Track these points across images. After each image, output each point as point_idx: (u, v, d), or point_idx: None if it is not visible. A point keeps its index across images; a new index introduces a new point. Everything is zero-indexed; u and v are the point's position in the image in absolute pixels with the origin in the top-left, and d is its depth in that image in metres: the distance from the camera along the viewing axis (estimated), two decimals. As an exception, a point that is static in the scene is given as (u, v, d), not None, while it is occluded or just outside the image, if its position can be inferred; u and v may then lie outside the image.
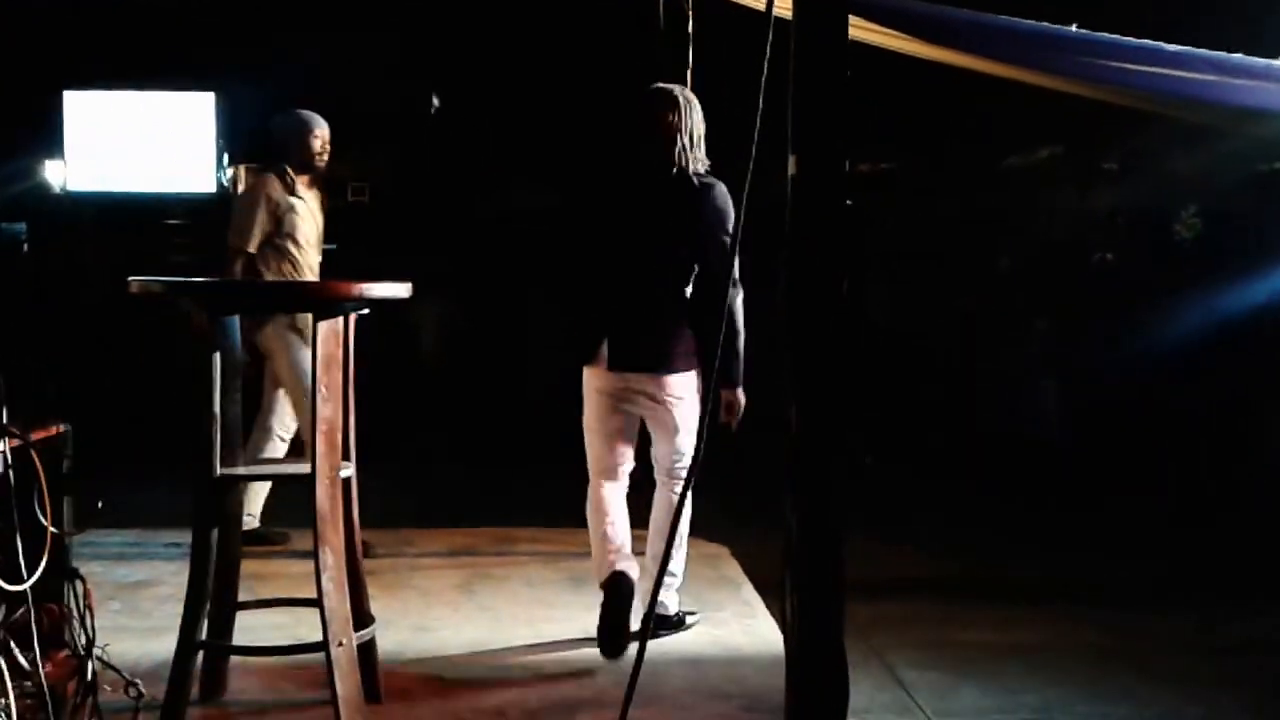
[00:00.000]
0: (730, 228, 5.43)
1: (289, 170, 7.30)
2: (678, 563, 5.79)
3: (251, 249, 7.13)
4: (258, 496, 7.10)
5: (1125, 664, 6.05)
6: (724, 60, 7.13)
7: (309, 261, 7.36)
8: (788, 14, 3.39)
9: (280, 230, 7.22)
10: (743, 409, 5.65)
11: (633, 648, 5.52)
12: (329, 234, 7.73)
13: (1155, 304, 10.45)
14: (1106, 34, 5.78)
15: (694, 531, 5.89)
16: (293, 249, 7.24)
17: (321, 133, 7.33)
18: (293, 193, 7.30)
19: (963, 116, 11.01)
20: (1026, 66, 6.04)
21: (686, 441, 5.64)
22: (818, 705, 3.43)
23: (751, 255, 4.42)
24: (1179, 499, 9.48)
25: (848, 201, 3.35)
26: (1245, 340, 9.55)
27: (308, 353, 6.93)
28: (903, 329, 11.82)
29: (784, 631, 3.43)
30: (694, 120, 5.65)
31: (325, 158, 7.43)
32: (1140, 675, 5.89)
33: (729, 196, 5.51)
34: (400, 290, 4.62)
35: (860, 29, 5.40)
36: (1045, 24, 5.80)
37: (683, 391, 5.64)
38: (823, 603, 3.43)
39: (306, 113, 7.36)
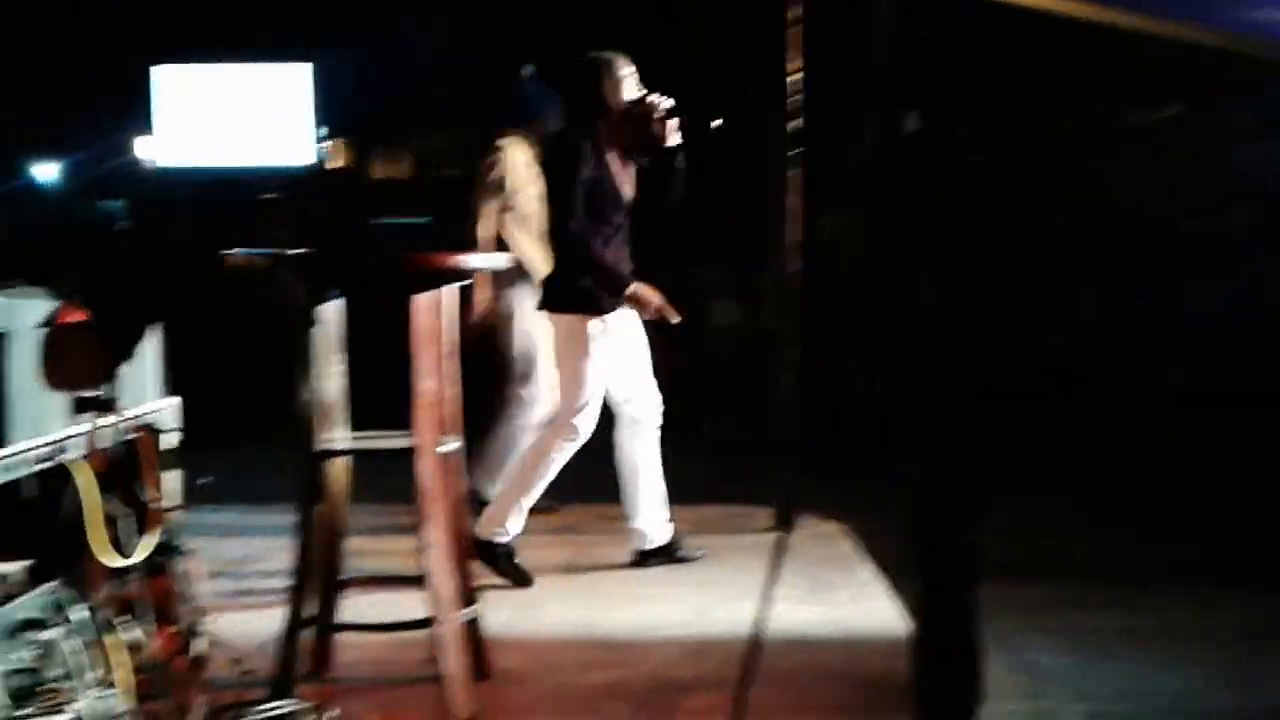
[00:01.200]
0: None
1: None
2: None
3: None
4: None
5: (1270, 647, 5.84)
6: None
7: None
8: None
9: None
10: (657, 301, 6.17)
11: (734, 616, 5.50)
12: (421, 207, 7.68)
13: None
14: None
15: (807, 509, 5.80)
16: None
17: None
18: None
19: (1078, 71, 10.75)
20: (1162, 15, 5.83)
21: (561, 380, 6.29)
22: (949, 692, 3.32)
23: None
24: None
25: (972, 159, 3.23)
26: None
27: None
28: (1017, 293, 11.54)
29: (911, 615, 3.30)
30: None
31: None
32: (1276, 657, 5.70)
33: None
34: (498, 260, 4.55)
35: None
36: None
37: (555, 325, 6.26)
38: (954, 585, 3.31)
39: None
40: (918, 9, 3.17)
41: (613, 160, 6.26)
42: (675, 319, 6.19)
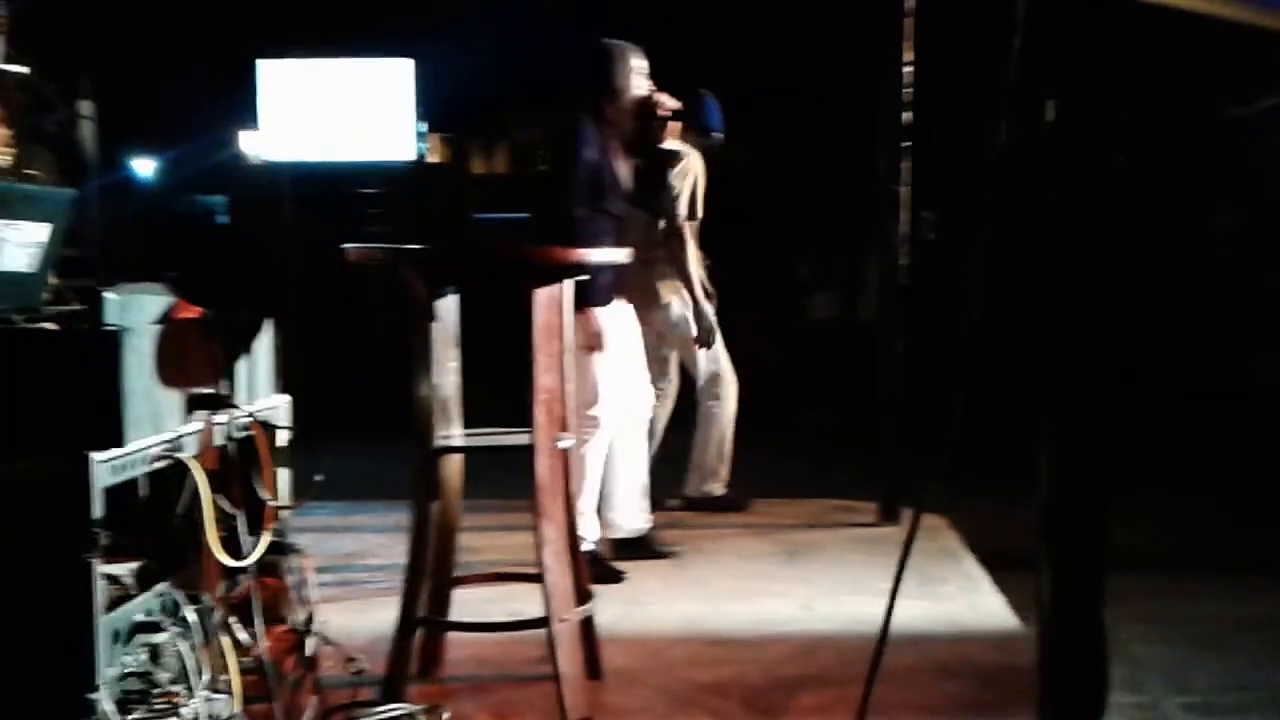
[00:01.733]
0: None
1: None
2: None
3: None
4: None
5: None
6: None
7: None
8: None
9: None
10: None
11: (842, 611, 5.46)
12: (517, 202, 7.71)
13: None
14: None
15: (911, 503, 5.70)
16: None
17: None
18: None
19: (1181, 60, 10.58)
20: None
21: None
22: (1076, 691, 3.24)
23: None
24: None
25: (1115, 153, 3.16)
26: None
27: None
28: (1125, 286, 11.39)
29: (1038, 611, 3.23)
30: None
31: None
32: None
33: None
34: (618, 255, 4.50)
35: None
36: None
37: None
38: (1083, 583, 3.24)
39: None
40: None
41: (614, 151, 6.12)
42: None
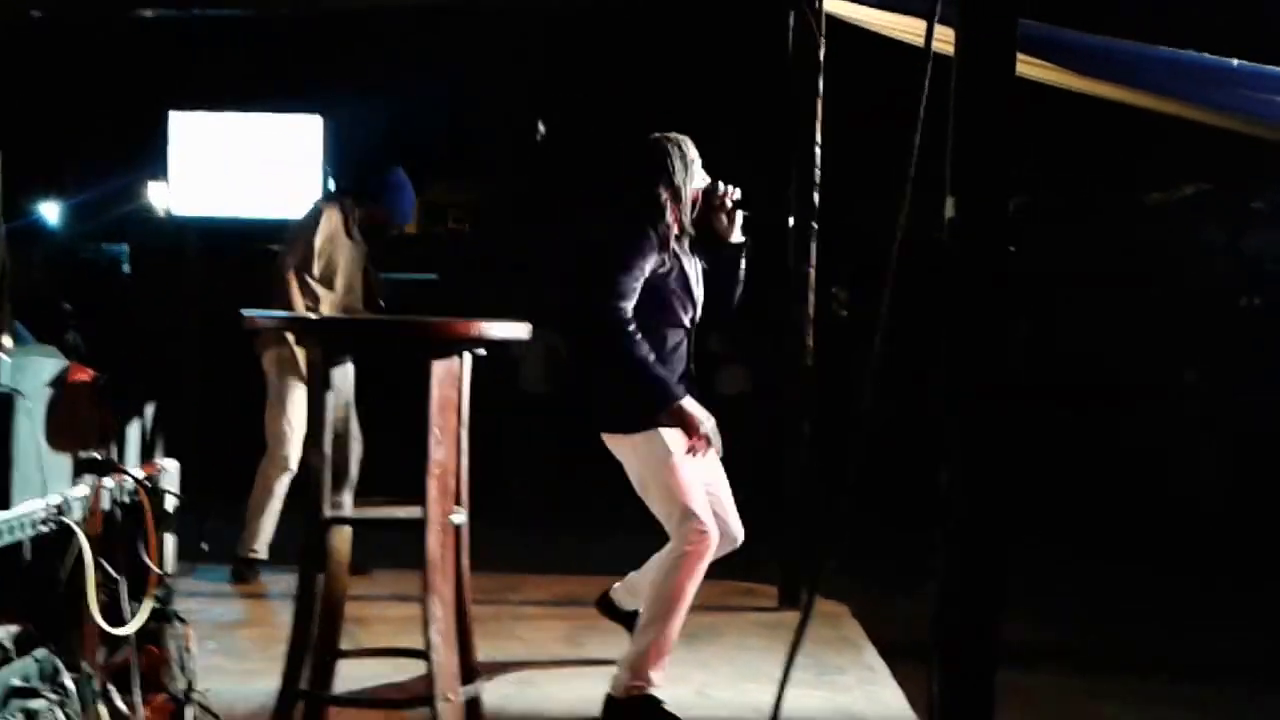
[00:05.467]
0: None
1: (355, 211, 7.36)
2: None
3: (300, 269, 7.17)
4: (268, 528, 7.21)
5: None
6: (856, 86, 6.95)
7: (345, 305, 7.35)
8: (946, 48, 3.22)
9: (319, 266, 7.23)
10: (706, 427, 5.29)
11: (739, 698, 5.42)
12: (428, 263, 7.67)
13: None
14: (1272, 67, 5.53)
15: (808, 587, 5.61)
16: (318, 287, 7.21)
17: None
18: (350, 234, 7.34)
19: (1098, 151, 10.72)
20: (1186, 101, 5.79)
21: (655, 504, 5.39)
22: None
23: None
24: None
25: (1010, 247, 3.15)
26: None
27: (302, 392, 6.96)
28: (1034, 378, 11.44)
29: (915, 704, 3.20)
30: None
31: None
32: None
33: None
34: (519, 331, 4.44)
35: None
36: (1206, 55, 5.56)
37: (620, 451, 5.46)
38: (974, 681, 3.22)
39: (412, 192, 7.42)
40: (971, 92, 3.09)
41: (682, 253, 5.51)
42: (718, 450, 5.45)
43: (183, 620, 4.15)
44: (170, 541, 4.17)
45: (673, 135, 5.60)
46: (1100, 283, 11.99)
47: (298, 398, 7.06)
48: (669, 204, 5.46)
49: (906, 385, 4.45)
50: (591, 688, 5.61)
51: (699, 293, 5.56)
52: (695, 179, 5.55)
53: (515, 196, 13.34)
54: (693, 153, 5.57)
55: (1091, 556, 9.70)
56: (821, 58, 6.99)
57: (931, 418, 3.17)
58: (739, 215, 5.61)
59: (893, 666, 6.09)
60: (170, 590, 4.19)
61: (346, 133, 10.81)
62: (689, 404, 5.27)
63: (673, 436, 5.30)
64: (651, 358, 5.24)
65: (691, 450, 5.27)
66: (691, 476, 5.31)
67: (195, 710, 4.13)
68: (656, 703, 5.21)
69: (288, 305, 7.05)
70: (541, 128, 12.60)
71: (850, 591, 6.94)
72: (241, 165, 10.44)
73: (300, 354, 6.94)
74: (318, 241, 7.18)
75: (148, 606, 3.85)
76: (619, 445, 5.43)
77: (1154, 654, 7.31)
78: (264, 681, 4.93)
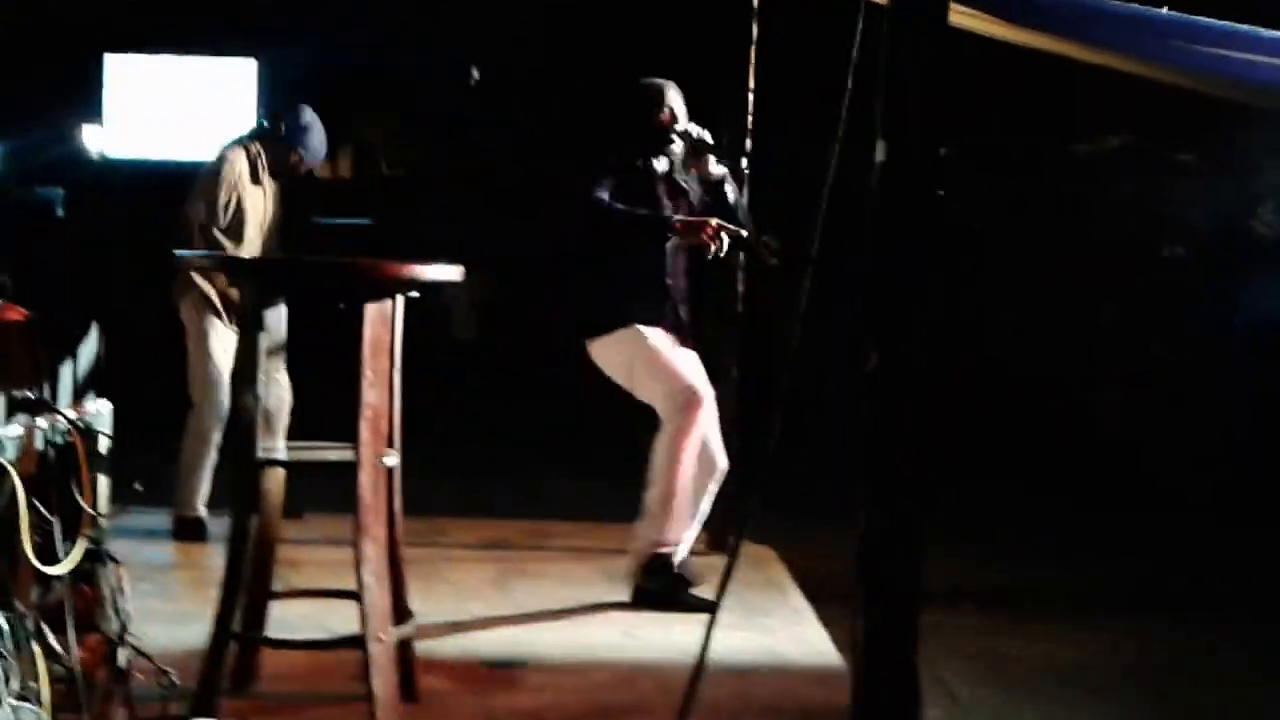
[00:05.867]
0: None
1: (264, 154, 7.19)
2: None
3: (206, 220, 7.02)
4: (206, 482, 7.08)
5: (1190, 684, 5.85)
6: (789, 33, 6.98)
7: (254, 249, 7.18)
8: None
9: (224, 217, 7.06)
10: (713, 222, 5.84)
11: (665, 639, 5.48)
12: (362, 207, 7.59)
13: (1229, 302, 10.21)
14: (1200, 17, 5.58)
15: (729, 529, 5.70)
16: (224, 238, 7.04)
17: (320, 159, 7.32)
18: (256, 179, 7.17)
19: (1025, 100, 10.77)
20: (1114, 50, 5.84)
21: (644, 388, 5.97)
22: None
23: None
24: (1251, 510, 9.16)
25: (939, 191, 3.20)
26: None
27: (225, 335, 6.86)
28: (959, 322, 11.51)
29: (852, 649, 3.26)
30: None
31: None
32: (1208, 696, 5.70)
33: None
34: (452, 273, 4.47)
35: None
36: (1134, 5, 5.61)
37: (604, 355, 6.03)
38: (897, 621, 3.26)
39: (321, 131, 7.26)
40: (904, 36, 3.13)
41: (661, 192, 6.12)
42: (742, 232, 6.01)
43: (116, 561, 4.15)
44: (103, 482, 4.18)
45: (656, 80, 6.20)
46: (1025, 231, 12.09)
47: (220, 342, 6.92)
48: (654, 149, 6.10)
49: (834, 330, 4.49)
50: (517, 631, 5.68)
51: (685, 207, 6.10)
52: (681, 123, 6.10)
53: (449, 141, 13.28)
54: (676, 98, 6.16)
55: (1017, 493, 9.81)
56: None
57: (858, 361, 3.21)
58: (710, 155, 6.09)
59: (817, 608, 6.17)
60: (103, 531, 4.20)
61: (280, 75, 10.75)
62: (686, 220, 5.92)
63: (651, 331, 5.91)
64: (630, 211, 5.88)
65: (715, 238, 5.80)
66: (675, 357, 5.94)
67: (129, 651, 4.14)
68: (669, 559, 5.91)
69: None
70: (475, 73, 12.53)
71: (775, 534, 7.01)
72: (176, 108, 10.38)
73: (216, 296, 6.92)
74: (221, 192, 7.00)
75: (81, 547, 3.86)
76: (604, 349, 6.01)
77: (1075, 590, 7.43)
78: (197, 624, 4.94)
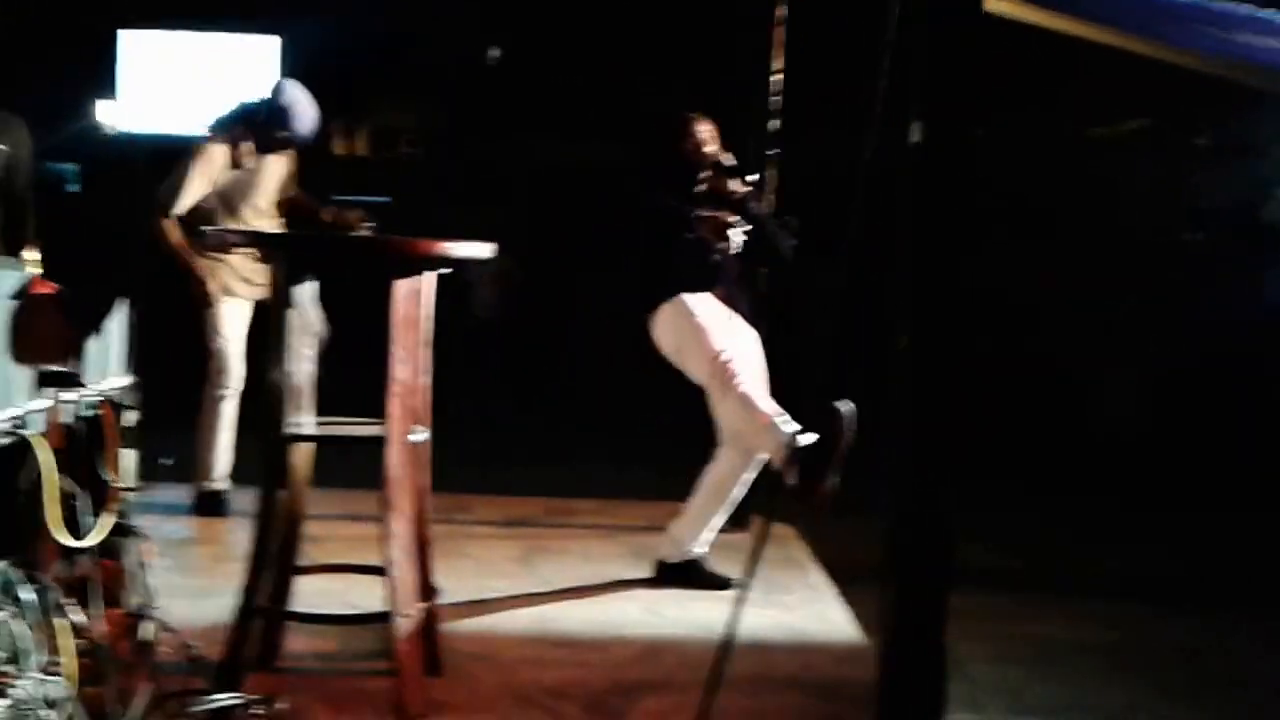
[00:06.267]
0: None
1: (247, 139, 7.11)
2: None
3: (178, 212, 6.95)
4: (225, 456, 7.09)
5: (1207, 666, 5.85)
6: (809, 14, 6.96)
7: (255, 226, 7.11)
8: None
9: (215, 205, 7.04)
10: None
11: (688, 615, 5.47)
12: (381, 187, 7.52)
13: (1245, 290, 10.18)
14: (1223, 2, 5.57)
15: (761, 511, 5.67)
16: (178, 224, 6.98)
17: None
18: (238, 164, 7.10)
19: (1042, 83, 10.73)
20: (1136, 33, 5.82)
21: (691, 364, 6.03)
22: (913, 708, 3.27)
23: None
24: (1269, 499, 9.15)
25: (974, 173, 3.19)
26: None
27: (234, 308, 6.92)
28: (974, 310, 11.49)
29: (880, 626, 3.26)
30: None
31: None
32: (1223, 678, 5.69)
33: None
34: (482, 250, 4.46)
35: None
36: None
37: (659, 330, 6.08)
38: (926, 600, 3.27)
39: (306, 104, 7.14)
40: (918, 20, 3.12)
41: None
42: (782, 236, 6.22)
43: (142, 536, 4.15)
44: (130, 457, 4.18)
45: (684, 113, 6.31)
46: (1042, 215, 12.06)
47: (231, 314, 6.97)
48: (683, 177, 6.13)
49: (863, 315, 4.48)
50: (541, 607, 5.69)
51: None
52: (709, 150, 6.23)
53: (468, 121, 13.27)
54: (704, 128, 6.27)
55: (1033, 479, 9.79)
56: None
57: (888, 344, 3.20)
58: (734, 178, 6.18)
59: (837, 586, 6.21)
60: (130, 506, 4.19)
61: (302, 53, 10.73)
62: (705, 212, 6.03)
63: (696, 302, 5.97)
64: (665, 203, 6.04)
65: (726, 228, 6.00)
66: (717, 328, 5.97)
67: (153, 625, 4.14)
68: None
69: (173, 253, 6.92)
70: (494, 52, 12.51)
71: (796, 513, 7.00)
72: (195, 84, 10.36)
73: (227, 269, 6.91)
74: (195, 184, 6.96)
75: (106, 521, 3.85)
76: (658, 325, 6.07)
77: (1090, 576, 7.42)
78: (219, 598, 4.96)
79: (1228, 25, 5.53)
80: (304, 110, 7.09)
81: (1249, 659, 6.01)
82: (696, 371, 5.99)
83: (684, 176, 6.16)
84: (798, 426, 5.75)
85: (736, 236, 6.03)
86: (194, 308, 7.02)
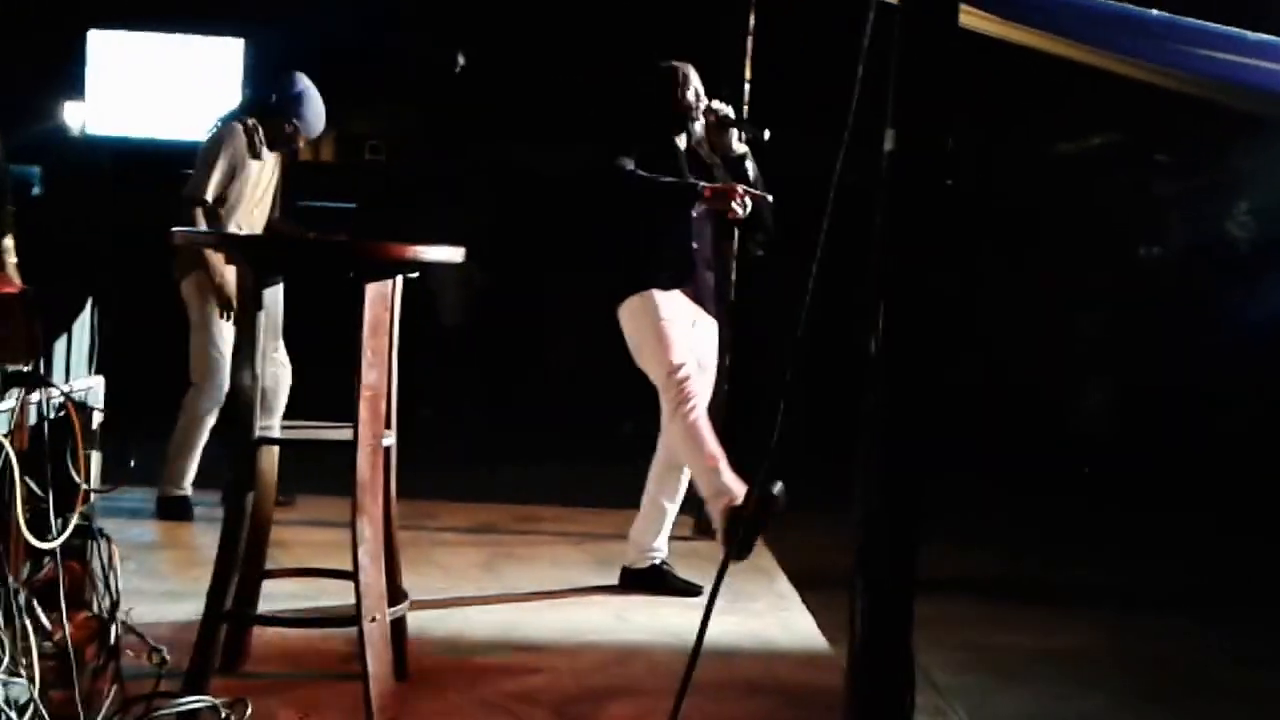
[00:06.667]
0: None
1: (260, 129, 7.03)
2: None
3: (209, 199, 6.87)
4: (194, 463, 7.02)
5: (1170, 674, 5.90)
6: (784, 22, 6.96)
7: (250, 226, 7.05)
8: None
9: (226, 194, 6.95)
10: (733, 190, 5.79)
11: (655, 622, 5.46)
12: (343, 190, 7.47)
13: (1206, 302, 10.25)
14: (1189, 18, 5.60)
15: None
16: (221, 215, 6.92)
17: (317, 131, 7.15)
18: (256, 154, 7.02)
19: (1010, 98, 10.79)
20: (1104, 49, 5.85)
21: (647, 364, 5.91)
22: (879, 716, 3.27)
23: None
24: (1234, 506, 9.22)
25: (948, 181, 3.20)
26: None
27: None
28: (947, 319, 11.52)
29: (849, 632, 3.26)
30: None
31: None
32: (1185, 688, 5.74)
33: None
34: (453, 254, 4.44)
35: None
36: (1126, 5, 5.62)
37: (623, 321, 5.95)
38: (893, 607, 3.26)
39: (317, 99, 7.09)
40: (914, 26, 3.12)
41: (684, 166, 6.00)
42: (768, 197, 5.95)
43: (108, 538, 4.12)
44: (96, 458, 4.15)
45: (676, 64, 6.05)
46: (1008, 228, 12.14)
47: (222, 324, 6.82)
48: (674, 130, 6.01)
49: (833, 313, 4.49)
50: (509, 613, 5.68)
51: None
52: (703, 98, 6.03)
53: (433, 127, 13.26)
54: (696, 81, 6.05)
55: (1002, 487, 9.85)
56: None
57: (857, 346, 3.21)
58: (732, 131, 6.05)
59: (802, 594, 6.21)
60: (95, 508, 4.17)
61: (267, 57, 10.70)
62: (711, 186, 5.81)
63: (666, 301, 5.84)
64: (656, 179, 5.76)
65: (741, 203, 5.77)
66: (681, 338, 5.86)
67: (119, 628, 4.11)
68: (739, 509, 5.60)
69: (197, 251, 6.78)
70: (461, 59, 12.48)
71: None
72: (161, 86, 10.32)
73: (224, 277, 6.83)
74: (220, 169, 6.87)
75: (73, 522, 3.83)
76: (623, 315, 5.94)
77: (1059, 583, 7.46)
78: (185, 602, 4.95)
79: (1200, 42, 5.56)
80: (315, 101, 7.06)
81: (1214, 666, 6.06)
82: (652, 375, 5.93)
83: (674, 131, 6.06)
84: (735, 484, 5.73)
85: (744, 207, 5.84)
86: (180, 311, 6.94)
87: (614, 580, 6.16)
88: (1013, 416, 11.30)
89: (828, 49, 4.43)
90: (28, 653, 3.58)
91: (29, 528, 3.58)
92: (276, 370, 6.44)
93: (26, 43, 10.61)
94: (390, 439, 4.42)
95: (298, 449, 4.57)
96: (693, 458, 5.83)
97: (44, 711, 3.50)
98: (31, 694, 3.53)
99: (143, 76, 10.42)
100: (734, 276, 7.16)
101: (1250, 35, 5.55)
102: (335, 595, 4.59)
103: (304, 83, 7.04)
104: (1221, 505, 9.23)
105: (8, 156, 6.83)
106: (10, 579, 3.59)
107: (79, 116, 10.76)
